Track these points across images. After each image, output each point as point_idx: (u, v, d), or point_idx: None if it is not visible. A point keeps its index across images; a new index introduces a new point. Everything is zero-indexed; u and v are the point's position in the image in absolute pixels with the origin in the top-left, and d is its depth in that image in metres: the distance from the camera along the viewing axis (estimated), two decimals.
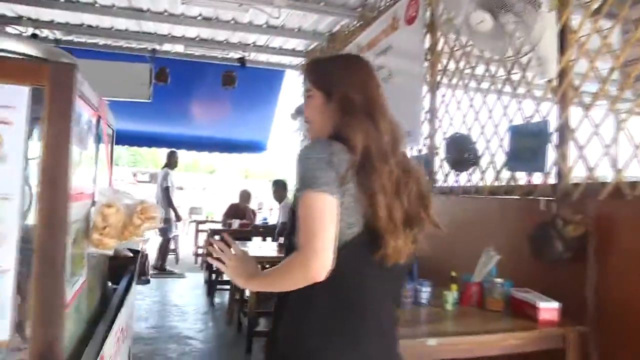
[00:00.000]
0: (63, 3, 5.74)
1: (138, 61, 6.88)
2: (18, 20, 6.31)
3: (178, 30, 6.61)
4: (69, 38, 6.94)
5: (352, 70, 1.51)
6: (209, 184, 16.69)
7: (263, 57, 7.48)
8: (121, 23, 6.43)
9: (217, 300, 6.36)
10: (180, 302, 6.25)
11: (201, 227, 9.63)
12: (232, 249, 1.51)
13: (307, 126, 1.59)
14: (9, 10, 6.11)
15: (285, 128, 7.74)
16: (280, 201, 6.63)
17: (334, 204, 1.27)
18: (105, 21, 6.38)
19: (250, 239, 6.71)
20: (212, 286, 6.49)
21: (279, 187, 6.70)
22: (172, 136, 8.19)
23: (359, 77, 1.50)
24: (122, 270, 2.45)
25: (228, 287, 5.99)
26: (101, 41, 7.04)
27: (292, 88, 7.73)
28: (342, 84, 1.47)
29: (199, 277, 7.71)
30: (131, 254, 2.62)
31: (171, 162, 8.04)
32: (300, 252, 1.25)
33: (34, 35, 6.43)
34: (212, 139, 8.37)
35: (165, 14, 5.97)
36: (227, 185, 14.33)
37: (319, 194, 1.26)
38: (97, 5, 5.79)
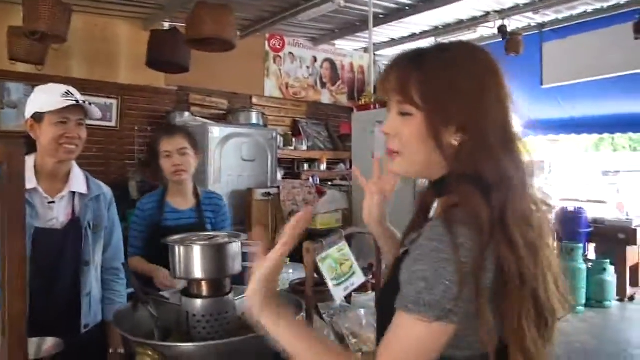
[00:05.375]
0: None
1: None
2: (486, 17, 5.77)
3: None
4: (550, 18, 5.87)
5: (486, 78, 1.00)
6: None
7: None
8: None
9: None
10: None
11: None
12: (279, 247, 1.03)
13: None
14: (475, 10, 5.67)
15: None
16: None
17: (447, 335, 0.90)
18: None
19: None
20: None
21: None
22: None
23: (496, 87, 1.00)
24: None
25: None
26: (588, 7, 5.58)
27: None
28: (474, 103, 0.97)
29: None
30: None
31: None
32: None
33: (502, 28, 5.70)
34: None
35: None
36: None
37: (432, 324, 0.89)
38: None
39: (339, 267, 1.57)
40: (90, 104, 1.90)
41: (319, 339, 1.03)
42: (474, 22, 5.97)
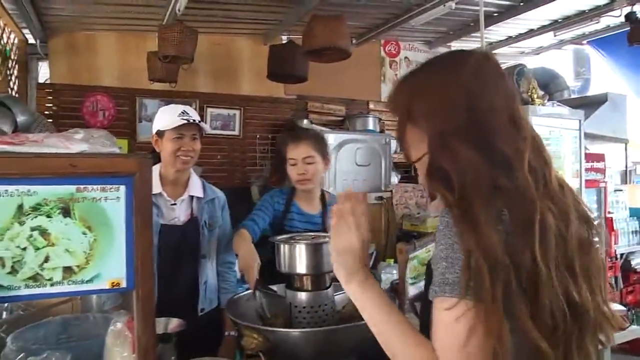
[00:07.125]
0: None
1: None
2: (611, 4, 5.42)
3: None
4: None
5: (456, 84, 1.00)
6: None
7: None
8: None
9: None
10: None
11: None
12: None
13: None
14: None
15: None
16: None
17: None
18: None
19: None
20: None
21: None
22: None
23: (472, 93, 0.99)
24: None
25: None
26: None
27: None
28: (437, 109, 1.00)
29: None
30: None
31: None
32: None
33: (630, 15, 5.29)
34: None
35: None
36: None
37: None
38: None
39: (422, 267, 1.69)
40: (200, 120, 2.18)
41: (405, 321, 0.97)
42: (596, 11, 5.62)
